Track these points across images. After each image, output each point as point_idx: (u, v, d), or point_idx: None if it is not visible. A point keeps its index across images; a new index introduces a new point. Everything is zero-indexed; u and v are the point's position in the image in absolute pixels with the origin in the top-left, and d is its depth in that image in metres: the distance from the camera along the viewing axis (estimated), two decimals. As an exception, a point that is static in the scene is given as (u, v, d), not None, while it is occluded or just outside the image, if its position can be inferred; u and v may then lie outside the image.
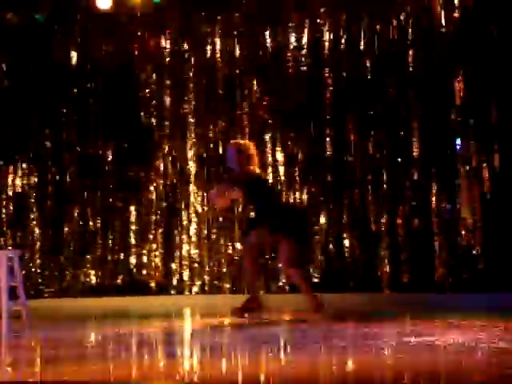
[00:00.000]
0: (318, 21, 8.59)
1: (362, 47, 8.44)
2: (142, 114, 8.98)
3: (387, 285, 8.17)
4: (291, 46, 8.67)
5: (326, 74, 8.52)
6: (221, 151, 8.66)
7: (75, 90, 9.01)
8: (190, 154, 8.87)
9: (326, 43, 8.56)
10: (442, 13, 8.22)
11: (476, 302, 7.02)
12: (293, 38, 8.67)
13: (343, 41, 8.52)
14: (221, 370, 3.67)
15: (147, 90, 9.00)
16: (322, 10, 8.57)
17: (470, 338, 4.46)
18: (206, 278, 8.70)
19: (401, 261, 8.15)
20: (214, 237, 8.72)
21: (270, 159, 8.59)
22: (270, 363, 3.87)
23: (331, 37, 8.55)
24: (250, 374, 3.51)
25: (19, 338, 5.38)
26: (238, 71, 8.83)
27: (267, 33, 8.72)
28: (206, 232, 8.74)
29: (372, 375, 3.38)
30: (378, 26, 8.40)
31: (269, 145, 8.61)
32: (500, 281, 7.69)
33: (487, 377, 3.17)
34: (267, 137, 8.62)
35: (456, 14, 8.18)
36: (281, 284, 8.46)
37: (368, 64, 8.41)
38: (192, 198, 8.82)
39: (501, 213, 7.90)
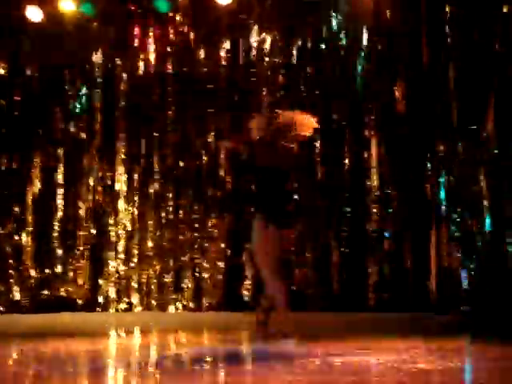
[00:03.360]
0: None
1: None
2: (71, 129, 8.92)
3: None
4: (225, 63, 8.71)
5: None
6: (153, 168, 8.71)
7: (3, 102, 8.90)
8: (120, 170, 8.81)
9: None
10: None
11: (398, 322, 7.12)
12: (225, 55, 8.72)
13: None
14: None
15: (78, 106, 8.92)
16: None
17: (394, 359, 4.50)
18: (134, 295, 8.64)
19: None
20: (142, 253, 8.69)
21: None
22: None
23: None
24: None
25: None
26: (170, 88, 8.83)
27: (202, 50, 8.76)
28: (135, 248, 8.70)
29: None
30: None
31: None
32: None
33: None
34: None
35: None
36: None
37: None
38: (121, 215, 8.76)
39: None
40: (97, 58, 8.95)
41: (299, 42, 8.48)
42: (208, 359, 4.73)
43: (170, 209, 8.66)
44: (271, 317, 5.44)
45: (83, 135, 8.89)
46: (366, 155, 8.15)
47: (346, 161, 8.21)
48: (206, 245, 8.51)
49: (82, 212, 8.80)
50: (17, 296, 8.68)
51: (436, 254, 7.78)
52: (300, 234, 7.37)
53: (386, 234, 8.02)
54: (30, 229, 8.78)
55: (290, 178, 5.59)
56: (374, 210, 8.07)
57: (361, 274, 8.04)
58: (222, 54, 8.69)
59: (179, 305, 8.52)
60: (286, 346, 5.17)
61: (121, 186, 8.79)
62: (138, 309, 8.60)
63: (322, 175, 8.24)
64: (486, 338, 5.66)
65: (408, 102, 8.05)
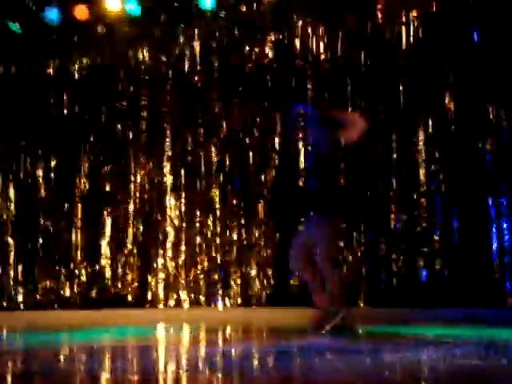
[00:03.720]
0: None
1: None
2: (118, 126, 8.99)
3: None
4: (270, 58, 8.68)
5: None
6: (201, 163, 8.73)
7: (51, 101, 9.00)
8: (167, 166, 8.85)
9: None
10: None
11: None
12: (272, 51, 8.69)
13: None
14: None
15: (124, 103, 8.98)
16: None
17: (444, 354, 4.44)
18: (182, 291, 8.67)
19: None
20: (190, 250, 8.72)
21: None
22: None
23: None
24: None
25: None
26: (216, 84, 8.83)
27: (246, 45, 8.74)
28: (183, 245, 8.73)
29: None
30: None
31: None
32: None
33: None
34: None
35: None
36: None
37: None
38: (168, 211, 8.79)
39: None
40: (143, 55, 8.99)
41: (343, 36, 8.42)
42: (256, 356, 4.72)
43: (217, 205, 8.66)
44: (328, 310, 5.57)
45: (130, 133, 8.95)
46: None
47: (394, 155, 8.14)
48: (254, 240, 8.51)
49: (130, 209, 8.85)
50: (67, 292, 8.78)
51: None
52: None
53: (435, 230, 7.93)
54: (80, 226, 8.86)
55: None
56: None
57: (411, 269, 7.96)
58: (267, 49, 8.66)
59: (227, 301, 8.52)
60: (337, 341, 5.20)
61: (168, 183, 8.82)
62: (187, 305, 8.62)
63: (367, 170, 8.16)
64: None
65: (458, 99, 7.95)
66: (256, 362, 4.41)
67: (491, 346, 4.86)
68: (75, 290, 8.75)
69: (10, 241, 8.81)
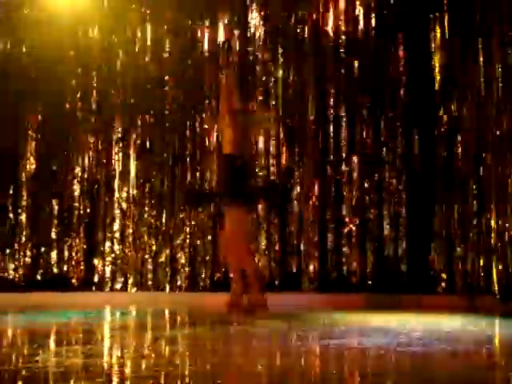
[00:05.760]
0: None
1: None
2: (67, 106, 8.85)
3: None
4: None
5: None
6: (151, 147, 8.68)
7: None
8: (116, 149, 8.76)
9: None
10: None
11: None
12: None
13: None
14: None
15: (74, 82, 8.84)
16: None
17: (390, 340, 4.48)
18: (129, 274, 8.60)
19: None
20: (137, 233, 8.65)
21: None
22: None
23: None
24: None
25: None
26: (169, 68, 8.77)
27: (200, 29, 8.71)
28: (130, 229, 8.66)
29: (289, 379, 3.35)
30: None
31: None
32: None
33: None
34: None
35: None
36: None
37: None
38: (116, 194, 8.70)
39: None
40: (93, 35, 8.86)
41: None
42: (199, 340, 4.72)
43: (166, 188, 8.61)
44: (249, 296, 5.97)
45: (78, 114, 8.83)
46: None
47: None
48: (199, 225, 8.50)
49: (77, 191, 8.74)
50: (11, 274, 8.64)
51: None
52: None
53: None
54: (25, 206, 8.71)
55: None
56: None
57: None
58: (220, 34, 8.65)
59: (173, 285, 8.48)
60: (265, 326, 5.26)
61: (116, 165, 8.74)
62: (133, 289, 8.57)
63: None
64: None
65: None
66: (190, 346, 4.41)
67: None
68: (19, 272, 8.61)
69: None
